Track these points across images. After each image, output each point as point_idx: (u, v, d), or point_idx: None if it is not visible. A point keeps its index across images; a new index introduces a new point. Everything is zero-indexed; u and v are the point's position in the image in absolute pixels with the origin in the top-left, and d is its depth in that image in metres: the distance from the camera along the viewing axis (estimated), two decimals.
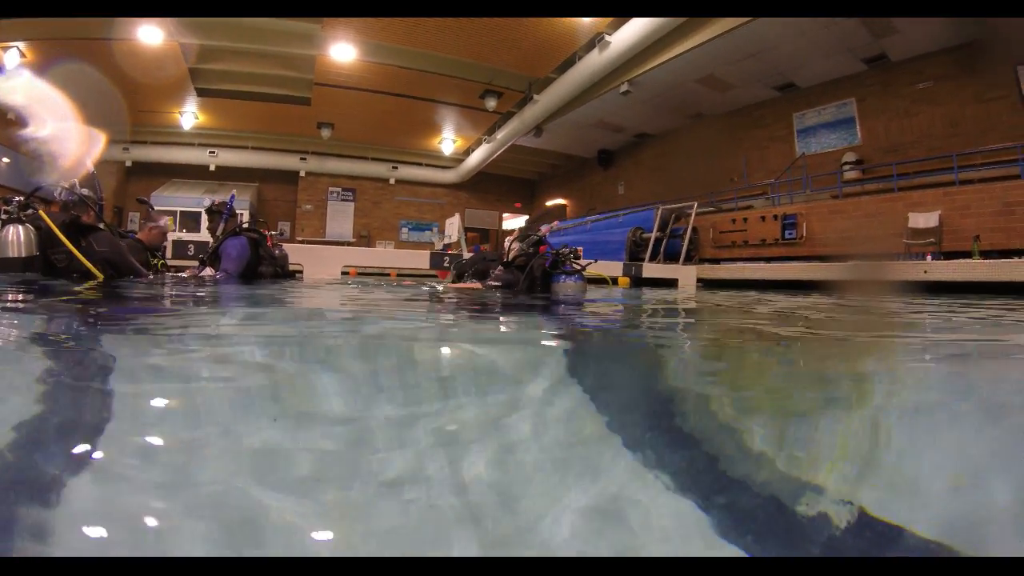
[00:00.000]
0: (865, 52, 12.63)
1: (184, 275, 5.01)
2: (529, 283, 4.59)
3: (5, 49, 12.54)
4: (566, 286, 4.62)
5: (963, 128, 11.62)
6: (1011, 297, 6.93)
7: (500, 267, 4.95)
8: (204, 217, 5.34)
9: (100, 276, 3.76)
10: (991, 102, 11.32)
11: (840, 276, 8.21)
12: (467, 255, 7.96)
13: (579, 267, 4.85)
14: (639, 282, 9.96)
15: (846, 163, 13.01)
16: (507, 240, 5.23)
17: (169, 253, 6.54)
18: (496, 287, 4.70)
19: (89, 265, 3.69)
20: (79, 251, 3.66)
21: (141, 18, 11.90)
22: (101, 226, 4.04)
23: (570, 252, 4.81)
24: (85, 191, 4.02)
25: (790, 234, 12.07)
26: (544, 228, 5.34)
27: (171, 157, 20.96)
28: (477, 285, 4.92)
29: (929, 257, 8.91)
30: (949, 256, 9.13)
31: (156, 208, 5.27)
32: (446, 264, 8.02)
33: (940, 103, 12.05)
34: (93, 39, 12.54)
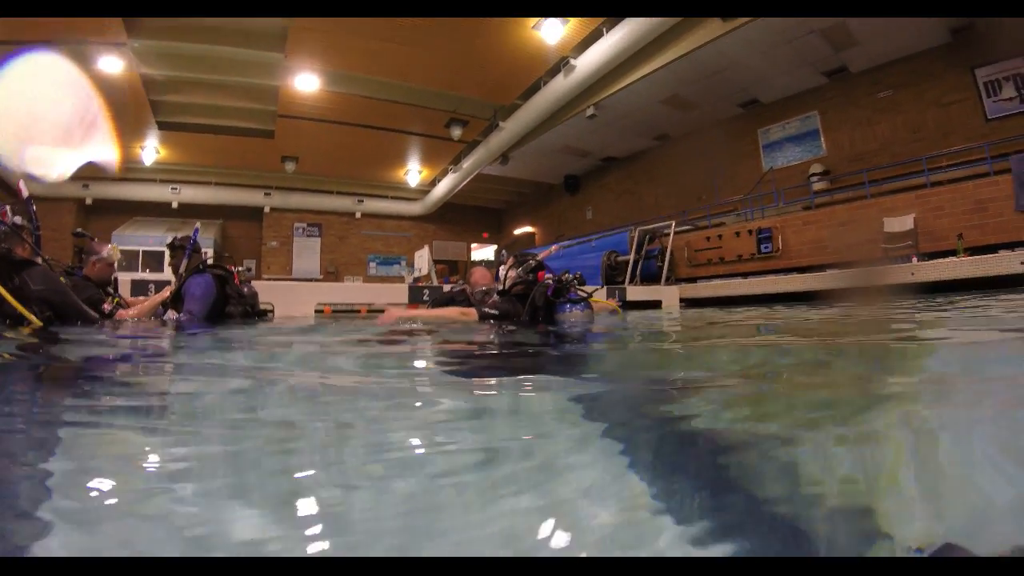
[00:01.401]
0: (825, 65, 12.89)
1: (131, 313, 4.43)
2: (531, 313, 4.26)
3: None
4: (573, 315, 4.31)
5: (925, 133, 11.90)
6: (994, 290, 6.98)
7: (496, 295, 4.62)
8: (167, 254, 4.95)
9: (37, 323, 3.12)
10: (950, 106, 11.60)
11: (829, 285, 8.20)
12: (446, 287, 7.67)
13: (584, 294, 4.49)
14: (624, 305, 9.81)
15: (813, 174, 13.17)
16: (502, 268, 4.88)
17: (128, 293, 6.08)
18: (492, 316, 4.34)
19: (22, 309, 3.05)
20: (10, 291, 3.05)
21: (101, 43, 11.61)
22: (38, 260, 3.47)
23: (573, 278, 4.50)
24: (18, 219, 3.49)
25: (766, 248, 12.09)
26: (542, 253, 4.95)
27: (132, 194, 20.44)
28: (471, 312, 4.56)
29: (915, 259, 8.94)
30: (929, 257, 9.20)
31: (112, 245, 4.79)
32: (425, 298, 7.77)
33: (901, 110, 12.33)
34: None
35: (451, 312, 4.63)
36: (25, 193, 3.77)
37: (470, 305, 5.02)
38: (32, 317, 3.10)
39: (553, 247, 7.92)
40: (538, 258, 4.66)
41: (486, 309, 4.40)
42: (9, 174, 15.26)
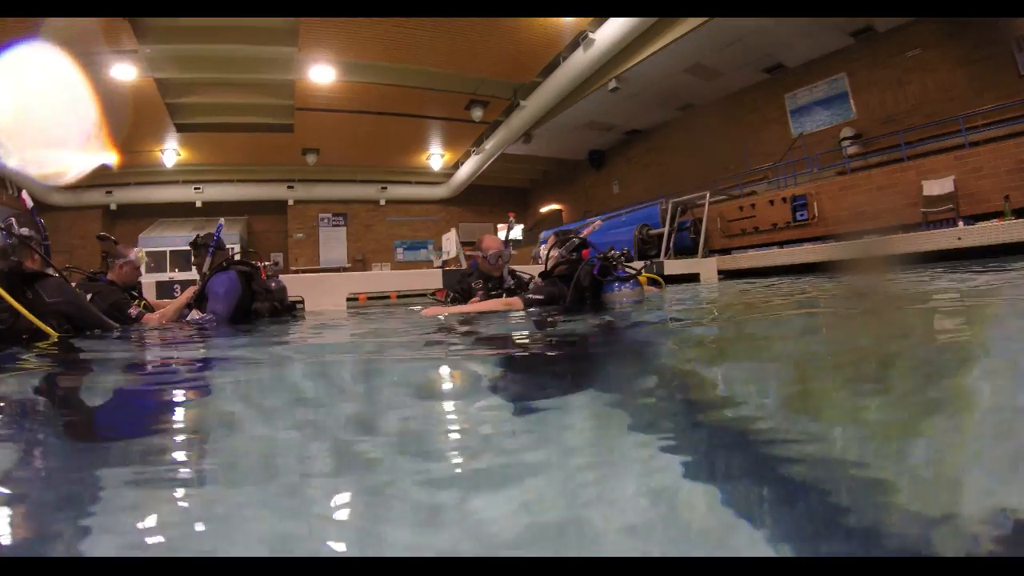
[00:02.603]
0: (851, 25, 12.55)
1: (156, 317, 4.32)
2: (577, 295, 3.97)
3: None
4: (622, 295, 4.07)
5: (957, 92, 11.50)
6: None
7: (539, 278, 4.38)
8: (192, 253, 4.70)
9: (53, 335, 2.94)
10: (980, 62, 11.22)
11: (876, 252, 7.98)
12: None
13: (633, 271, 4.11)
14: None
15: (845, 138, 12.86)
16: (543, 248, 4.71)
17: (154, 295, 6.01)
18: (538, 302, 4.06)
19: (38, 323, 2.87)
20: (25, 305, 2.86)
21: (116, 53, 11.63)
22: (50, 271, 3.31)
23: (620, 255, 4.10)
24: (25, 231, 3.31)
25: (802, 215, 11.82)
26: (585, 230, 4.71)
27: (156, 197, 20.81)
28: (515, 302, 4.25)
29: (961, 223, 8.68)
30: (972, 220, 8.92)
31: (139, 248, 4.69)
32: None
33: (931, 69, 11.94)
34: None
35: (495, 304, 4.38)
36: (29, 204, 3.62)
37: (480, 277, 4.86)
38: (50, 331, 2.94)
39: (597, 221, 7.64)
40: (581, 235, 4.40)
41: (530, 296, 4.14)
42: (19, 179, 15.42)
